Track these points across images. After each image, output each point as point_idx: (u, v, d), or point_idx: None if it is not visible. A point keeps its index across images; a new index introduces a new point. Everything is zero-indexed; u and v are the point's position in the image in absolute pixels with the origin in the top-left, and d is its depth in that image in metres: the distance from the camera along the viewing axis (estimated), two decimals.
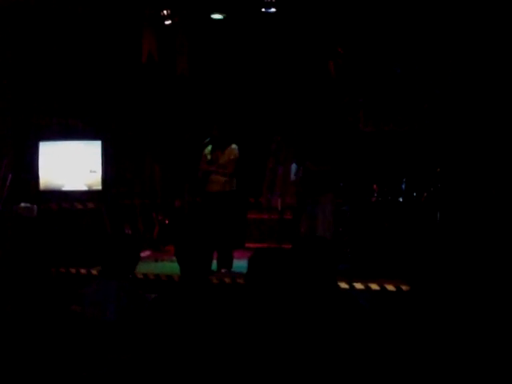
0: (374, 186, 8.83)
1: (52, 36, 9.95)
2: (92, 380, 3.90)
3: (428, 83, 9.97)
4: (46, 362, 4.39)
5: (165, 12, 10.82)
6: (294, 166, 8.63)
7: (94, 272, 8.25)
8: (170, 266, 8.49)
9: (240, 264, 8.05)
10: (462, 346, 3.23)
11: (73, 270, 8.53)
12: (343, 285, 7.26)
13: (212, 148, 8.55)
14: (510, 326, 3.35)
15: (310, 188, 8.08)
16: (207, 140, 8.60)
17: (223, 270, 8.35)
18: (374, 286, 7.29)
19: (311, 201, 8.06)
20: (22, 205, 9.12)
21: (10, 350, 5.52)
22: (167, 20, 10.86)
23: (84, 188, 9.54)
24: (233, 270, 8.42)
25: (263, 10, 10.38)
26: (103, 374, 3.91)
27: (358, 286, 7.34)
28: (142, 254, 9.77)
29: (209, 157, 8.52)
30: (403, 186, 8.72)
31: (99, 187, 9.54)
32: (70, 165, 9.52)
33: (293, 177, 8.59)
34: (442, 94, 9.78)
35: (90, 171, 9.51)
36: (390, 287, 7.17)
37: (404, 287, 6.85)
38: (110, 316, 4.07)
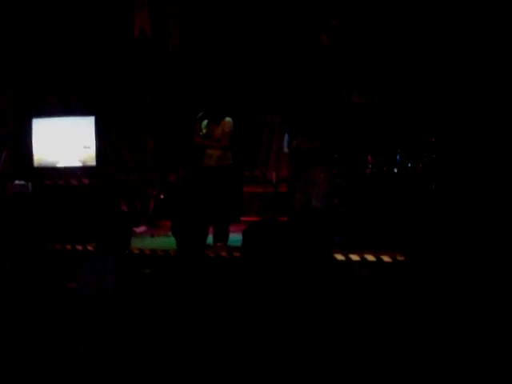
0: (369, 158, 8.80)
1: (45, 12, 9.89)
2: (89, 355, 3.91)
3: (419, 54, 9.93)
4: (43, 338, 4.41)
5: None
6: (286, 138, 8.59)
7: (90, 248, 8.25)
8: (165, 241, 8.51)
9: (236, 238, 8.05)
10: (457, 317, 3.24)
11: (69, 247, 8.53)
12: (339, 256, 7.27)
13: (206, 122, 8.52)
14: (504, 293, 3.36)
15: (301, 162, 8.05)
16: (201, 114, 8.57)
17: (219, 244, 8.35)
18: (370, 258, 7.29)
19: (303, 174, 8.02)
20: (17, 182, 9.10)
21: (8, 327, 5.53)
22: None
23: (78, 164, 9.52)
24: (228, 243, 8.42)
25: None
26: (100, 350, 3.92)
27: (354, 257, 7.35)
28: (138, 230, 9.78)
29: (204, 130, 8.50)
30: (398, 157, 8.70)
31: (93, 163, 9.52)
32: (64, 141, 9.49)
33: (285, 149, 8.56)
34: (432, 66, 9.74)
35: (84, 147, 9.48)
36: (386, 258, 7.18)
37: (400, 258, 6.86)
38: (106, 292, 4.07)
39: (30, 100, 9.88)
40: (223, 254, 7.82)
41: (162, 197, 10.89)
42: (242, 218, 10.10)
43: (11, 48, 9.55)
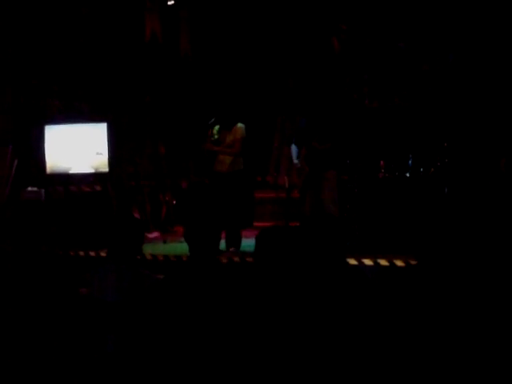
0: (381, 162, 8.80)
1: (55, 17, 9.95)
2: (101, 361, 3.92)
3: (430, 59, 9.91)
4: (55, 344, 4.42)
5: None
6: (293, 148, 8.58)
7: (103, 254, 8.26)
8: (178, 247, 8.51)
9: (248, 243, 8.05)
10: (470, 321, 3.23)
11: (81, 253, 8.55)
12: (352, 261, 7.25)
13: (218, 127, 8.53)
14: None
15: (313, 166, 8.08)
16: (213, 120, 8.58)
17: (232, 250, 8.35)
18: (383, 262, 7.28)
19: (315, 179, 8.05)
20: (29, 189, 9.14)
21: (20, 335, 5.54)
22: (170, 0, 10.84)
23: (91, 170, 9.56)
24: (241, 249, 8.42)
25: None
26: (111, 356, 3.93)
27: (367, 262, 7.34)
28: (151, 236, 9.79)
29: (216, 136, 8.50)
30: (410, 162, 8.70)
31: (106, 169, 9.55)
32: (76, 147, 9.52)
33: (295, 160, 8.56)
34: (444, 71, 9.72)
35: (97, 153, 9.51)
36: (399, 263, 7.17)
37: (413, 262, 6.83)
38: (118, 298, 4.08)
39: (42, 107, 9.92)
40: (236, 259, 7.83)
41: (174, 203, 10.90)
42: (255, 224, 10.11)
43: (23, 56, 9.59)
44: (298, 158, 8.46)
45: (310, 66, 10.88)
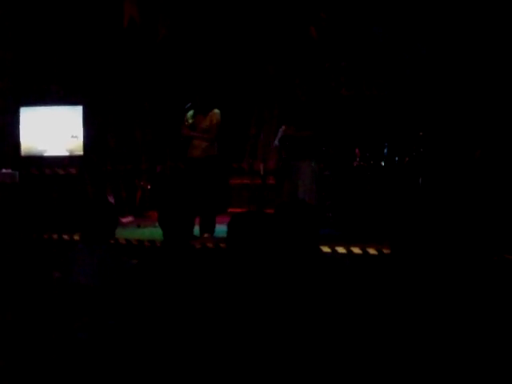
0: (356, 151, 8.83)
1: (31, 2, 9.87)
2: (74, 344, 3.92)
3: (405, 47, 9.95)
4: (26, 326, 4.40)
5: None
6: (280, 131, 8.55)
7: (77, 238, 8.22)
8: (152, 232, 8.50)
9: (222, 229, 8.02)
10: (442, 309, 3.26)
11: (55, 236, 8.51)
12: (325, 249, 7.27)
13: (194, 113, 8.50)
14: (489, 286, 3.38)
15: (290, 153, 8.03)
16: (189, 105, 8.56)
17: (206, 235, 8.35)
18: (356, 250, 7.31)
19: (292, 166, 8.01)
20: (3, 171, 9.08)
21: None
22: None
23: (65, 153, 9.51)
24: (215, 234, 8.42)
25: None
26: (85, 339, 3.92)
27: (341, 250, 7.36)
28: (125, 220, 9.77)
29: (190, 121, 8.47)
30: (385, 151, 8.73)
31: (81, 153, 9.51)
32: (51, 130, 9.47)
33: (276, 143, 8.51)
34: (421, 61, 9.76)
35: (72, 136, 9.47)
36: (372, 251, 7.20)
37: (386, 251, 6.88)
38: (92, 281, 4.07)
39: (17, 89, 9.85)
40: (209, 244, 7.82)
41: (149, 187, 10.87)
42: (230, 210, 10.11)
43: None
44: (278, 140, 8.41)
45: (289, 54, 10.87)
